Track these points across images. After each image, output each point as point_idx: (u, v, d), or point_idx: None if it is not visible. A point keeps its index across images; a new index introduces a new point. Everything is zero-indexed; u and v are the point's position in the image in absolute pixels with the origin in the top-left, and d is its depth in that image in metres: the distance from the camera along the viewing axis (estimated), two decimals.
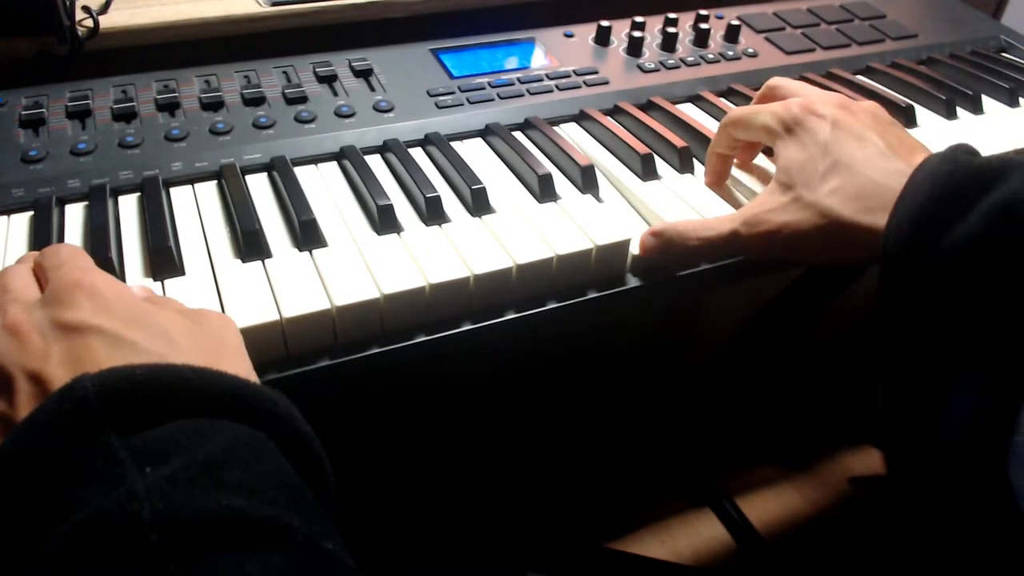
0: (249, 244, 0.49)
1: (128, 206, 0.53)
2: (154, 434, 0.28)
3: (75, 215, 0.52)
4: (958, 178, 0.41)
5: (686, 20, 0.78)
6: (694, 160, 0.61)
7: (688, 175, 0.60)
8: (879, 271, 0.44)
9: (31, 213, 0.51)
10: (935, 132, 0.68)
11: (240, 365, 0.35)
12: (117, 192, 0.54)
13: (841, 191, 0.46)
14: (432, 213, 0.53)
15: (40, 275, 0.38)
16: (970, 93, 0.72)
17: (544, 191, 0.56)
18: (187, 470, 0.27)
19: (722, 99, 0.70)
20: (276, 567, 0.26)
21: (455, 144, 0.61)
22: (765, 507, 1.15)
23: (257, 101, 0.62)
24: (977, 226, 0.40)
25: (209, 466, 0.28)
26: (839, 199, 0.46)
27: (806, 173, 0.48)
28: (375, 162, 0.59)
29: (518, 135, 0.63)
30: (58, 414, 0.28)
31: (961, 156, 0.43)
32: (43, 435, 0.28)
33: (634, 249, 0.51)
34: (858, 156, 0.47)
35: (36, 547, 0.26)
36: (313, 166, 0.58)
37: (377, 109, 0.63)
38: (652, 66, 0.73)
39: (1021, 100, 0.74)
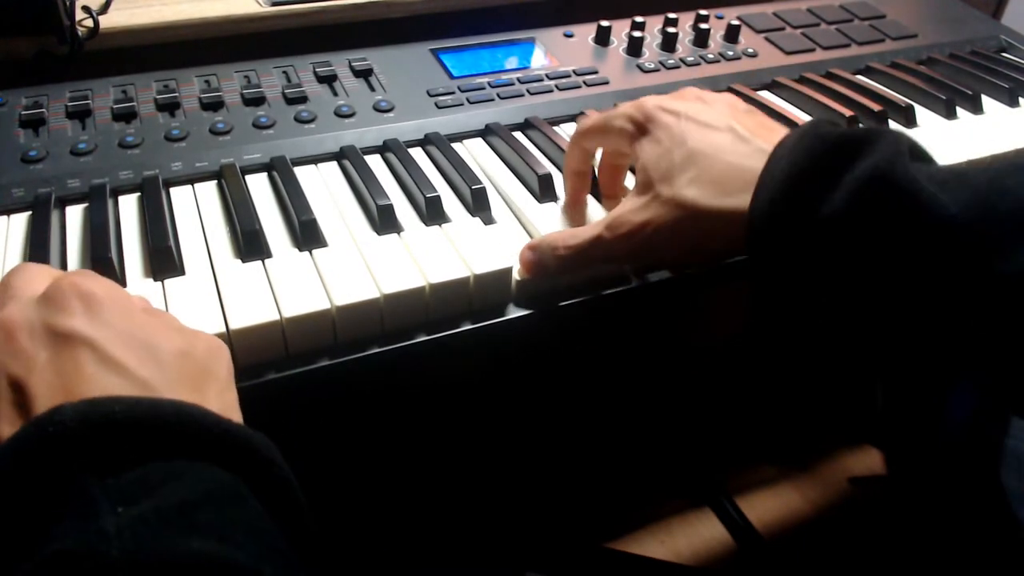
0: (249, 244, 0.49)
1: (128, 206, 0.53)
2: (130, 475, 0.27)
3: (75, 215, 0.52)
4: (820, 150, 0.40)
5: (686, 20, 0.78)
6: None
7: None
8: (747, 252, 0.43)
9: (30, 213, 0.51)
10: (935, 132, 0.68)
11: (226, 397, 0.34)
12: (117, 192, 0.54)
13: (698, 180, 0.45)
14: (432, 213, 0.53)
15: (50, 276, 0.37)
16: (970, 93, 0.72)
17: (544, 191, 0.56)
18: (159, 512, 0.26)
19: None
20: None
21: (455, 144, 0.61)
22: (765, 507, 1.15)
23: (257, 101, 0.62)
24: (845, 198, 0.38)
25: (182, 509, 0.27)
26: (697, 188, 0.44)
27: (662, 168, 0.46)
28: (375, 162, 0.59)
29: (518, 135, 0.63)
30: (35, 443, 0.27)
31: (823, 128, 0.41)
32: (18, 465, 0.27)
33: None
34: (714, 142, 0.46)
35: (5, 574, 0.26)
36: (313, 166, 0.58)
37: (377, 109, 0.63)
38: (652, 66, 0.73)
39: (1021, 100, 0.74)
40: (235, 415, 0.34)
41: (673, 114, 0.48)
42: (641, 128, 0.49)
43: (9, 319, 0.32)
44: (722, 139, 0.46)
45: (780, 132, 0.45)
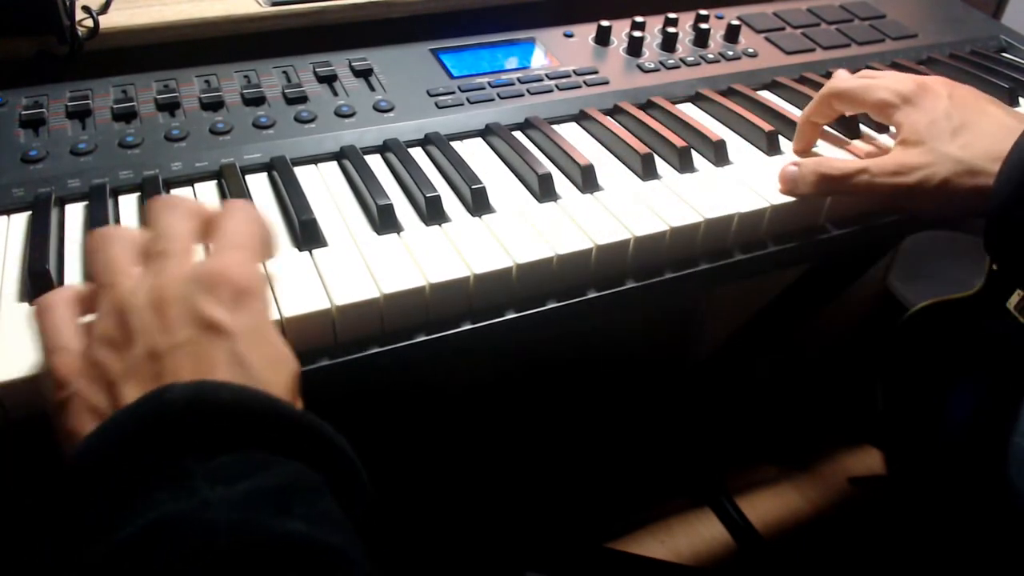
0: None
1: (128, 206, 0.53)
2: (228, 457, 0.29)
3: (75, 215, 0.52)
4: None
5: (686, 20, 0.78)
6: (694, 159, 0.61)
7: (688, 174, 0.60)
8: (988, 212, 0.49)
9: (30, 213, 0.51)
10: None
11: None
12: (117, 192, 0.54)
13: (971, 146, 0.52)
14: (432, 213, 0.53)
15: (209, 229, 0.38)
16: None
17: (544, 191, 0.56)
18: (259, 492, 0.28)
19: (722, 99, 0.70)
20: None
21: (455, 144, 0.61)
22: (765, 507, 1.15)
23: (257, 101, 0.62)
24: None
25: (276, 493, 0.29)
26: (971, 150, 0.51)
27: (935, 131, 0.53)
28: (375, 162, 0.59)
29: (518, 135, 0.63)
30: (145, 418, 0.29)
31: None
32: (127, 435, 0.29)
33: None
34: (980, 120, 0.53)
35: (103, 538, 0.27)
36: (313, 166, 0.58)
37: (377, 109, 0.63)
38: (652, 66, 0.73)
39: (1021, 100, 0.74)
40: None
41: (937, 93, 0.55)
42: (906, 100, 0.56)
43: (163, 292, 0.34)
44: (987, 117, 0.53)
45: None
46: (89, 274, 0.37)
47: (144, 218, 0.40)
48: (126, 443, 0.29)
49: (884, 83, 0.58)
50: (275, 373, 0.34)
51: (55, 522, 0.29)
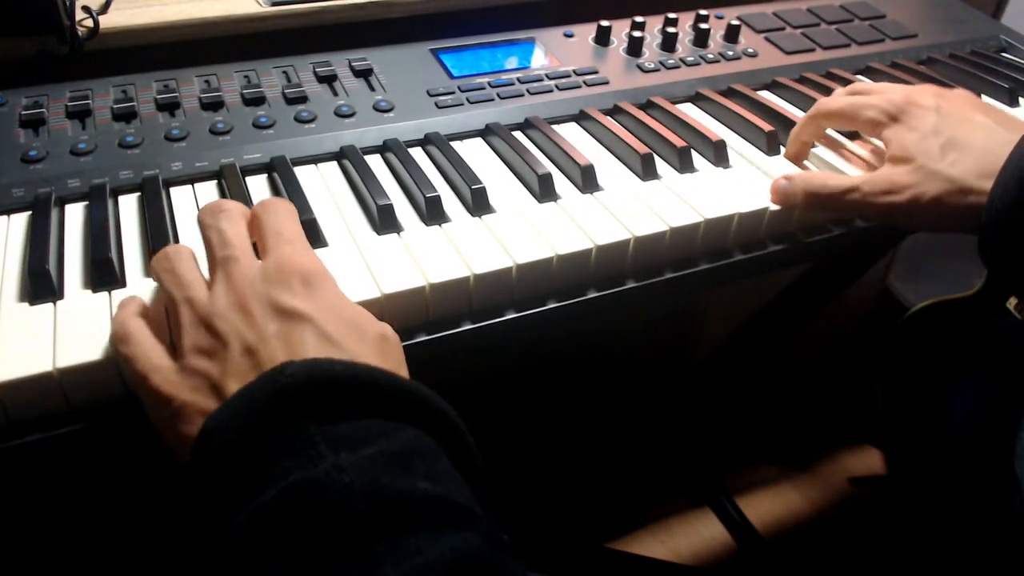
0: None
1: (128, 206, 0.53)
2: (346, 426, 0.31)
3: (75, 215, 0.52)
4: None
5: (686, 20, 0.78)
6: (694, 159, 0.61)
7: (688, 174, 0.60)
8: (981, 228, 0.49)
9: (30, 213, 0.51)
10: None
11: (406, 374, 0.37)
12: (117, 192, 0.54)
13: (961, 162, 0.51)
14: (432, 213, 0.53)
15: (254, 227, 0.42)
16: None
17: (544, 191, 0.56)
18: (382, 456, 0.30)
19: (722, 99, 0.70)
20: (471, 543, 0.29)
21: (455, 144, 0.61)
22: (765, 507, 1.15)
23: (257, 101, 0.62)
24: None
25: (399, 457, 0.31)
26: (960, 168, 0.51)
27: (924, 148, 0.52)
28: (375, 162, 0.59)
29: (518, 135, 0.63)
30: (266, 393, 0.31)
31: None
32: (250, 410, 0.31)
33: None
34: (969, 134, 0.52)
35: (242, 507, 0.29)
36: (313, 166, 0.58)
37: (377, 109, 0.63)
38: (652, 66, 0.73)
39: (1021, 100, 0.74)
40: None
41: (925, 108, 0.54)
42: (893, 117, 0.55)
43: (242, 293, 0.37)
44: (976, 131, 0.52)
45: (1021, 123, 0.52)
46: (164, 296, 0.40)
47: (197, 227, 0.43)
48: (251, 416, 0.31)
49: (872, 101, 0.57)
50: (362, 343, 0.36)
51: (194, 500, 0.31)
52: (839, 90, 0.63)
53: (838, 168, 0.61)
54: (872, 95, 0.58)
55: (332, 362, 0.32)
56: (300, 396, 0.31)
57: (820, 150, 0.64)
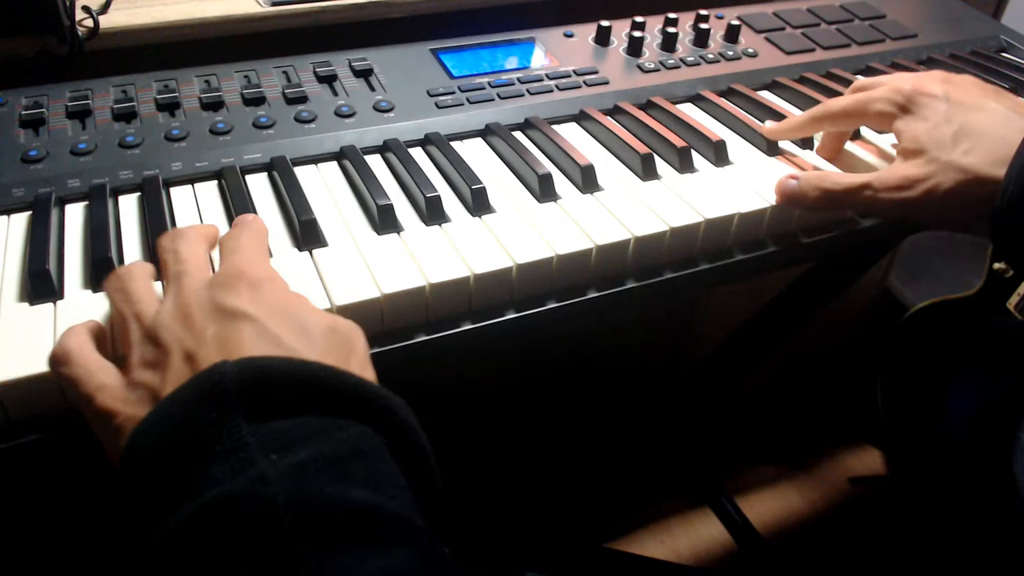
0: None
1: (128, 206, 0.53)
2: (282, 424, 0.30)
3: (75, 215, 0.52)
4: None
5: (686, 20, 0.78)
6: (694, 159, 0.61)
7: (688, 174, 0.60)
8: (993, 211, 0.48)
9: (30, 213, 0.51)
10: None
11: (366, 371, 0.37)
12: (117, 192, 0.54)
13: (974, 151, 0.50)
14: (432, 213, 0.53)
15: (213, 244, 0.43)
16: None
17: (544, 191, 0.56)
18: (315, 461, 0.29)
19: (722, 99, 0.70)
20: (402, 562, 0.27)
21: (455, 144, 0.61)
22: (765, 507, 1.15)
23: (257, 101, 0.62)
24: None
25: (335, 460, 0.29)
26: (974, 157, 0.49)
27: (935, 139, 0.51)
28: (375, 162, 0.59)
29: (518, 135, 0.63)
30: (196, 393, 0.30)
31: None
32: (180, 412, 0.30)
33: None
34: (981, 120, 0.51)
35: (164, 520, 0.28)
36: (313, 166, 0.58)
37: (377, 109, 0.63)
38: (652, 66, 0.73)
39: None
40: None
41: (935, 97, 0.53)
42: (903, 108, 0.54)
43: (186, 302, 0.36)
44: (988, 117, 0.51)
45: None
46: (113, 314, 0.39)
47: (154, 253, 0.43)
48: (176, 420, 0.30)
49: (879, 93, 0.56)
50: (310, 340, 0.35)
51: (126, 503, 0.30)
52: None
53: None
54: (878, 88, 0.57)
55: (269, 359, 0.31)
56: (232, 395, 0.30)
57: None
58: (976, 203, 0.50)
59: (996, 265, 0.68)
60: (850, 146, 0.64)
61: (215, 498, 0.27)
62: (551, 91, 0.68)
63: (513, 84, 0.67)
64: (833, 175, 0.54)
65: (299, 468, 0.28)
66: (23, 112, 0.58)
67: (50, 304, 0.44)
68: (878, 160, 0.61)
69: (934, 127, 0.52)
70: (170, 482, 0.29)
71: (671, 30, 0.75)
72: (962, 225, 0.54)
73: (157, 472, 0.29)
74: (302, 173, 0.57)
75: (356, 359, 0.36)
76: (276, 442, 0.29)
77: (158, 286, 0.42)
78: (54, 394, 0.40)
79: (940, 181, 0.50)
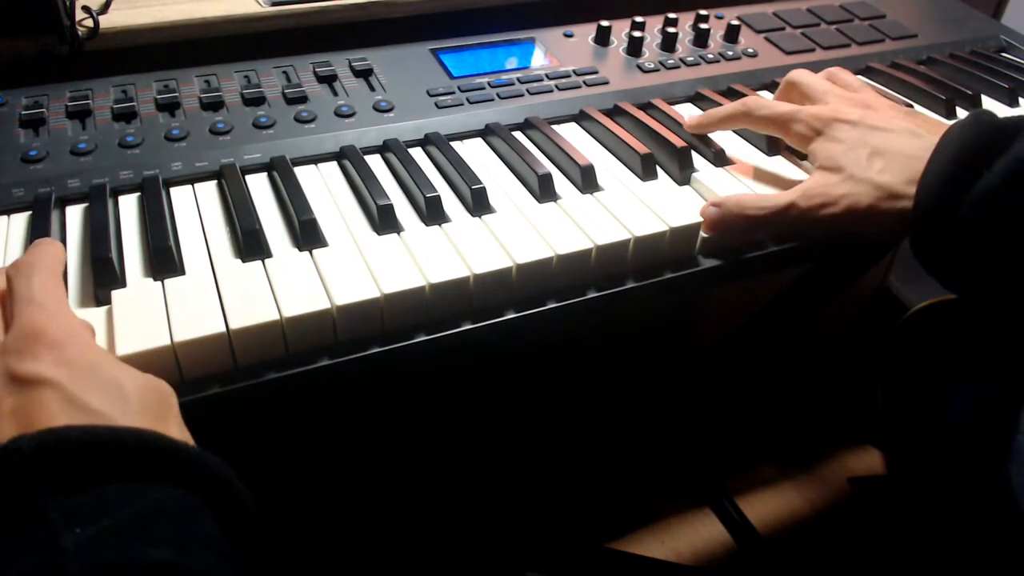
0: (249, 244, 0.49)
1: (128, 206, 0.53)
2: (86, 496, 0.29)
3: (75, 215, 0.52)
4: (978, 140, 0.47)
5: (686, 20, 0.78)
6: (694, 159, 0.61)
7: (688, 174, 0.60)
8: (910, 230, 0.50)
9: (30, 213, 0.51)
10: None
11: (184, 427, 0.36)
12: (117, 192, 0.54)
13: (887, 169, 0.52)
14: (432, 213, 0.53)
15: (5, 303, 0.38)
16: (970, 93, 0.72)
17: (544, 191, 0.56)
18: (116, 528, 0.28)
19: (722, 99, 0.70)
20: None
21: (455, 144, 0.61)
22: (765, 507, 1.15)
23: (257, 101, 0.62)
24: (995, 182, 0.46)
25: (137, 522, 0.28)
26: (888, 176, 0.51)
27: (851, 158, 0.53)
28: (375, 162, 0.59)
29: (518, 135, 0.63)
30: None
31: (983, 117, 0.48)
32: None
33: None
34: (892, 141, 0.53)
35: None
36: (313, 166, 0.58)
37: (377, 109, 0.63)
38: (652, 66, 0.73)
39: (1021, 100, 0.74)
40: (191, 442, 0.35)
41: (850, 123, 0.55)
42: (819, 132, 0.56)
43: None
44: (898, 138, 0.53)
45: (942, 127, 0.52)
46: None
47: None
48: None
49: (802, 115, 0.57)
50: (124, 403, 0.33)
51: None
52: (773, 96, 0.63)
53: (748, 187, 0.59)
54: (803, 110, 0.58)
55: (69, 428, 0.30)
56: (30, 470, 0.28)
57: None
58: (894, 219, 0.51)
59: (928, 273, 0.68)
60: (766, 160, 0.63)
61: None
62: (551, 91, 0.68)
63: (513, 84, 0.67)
64: (755, 198, 0.54)
65: (98, 537, 0.27)
66: (23, 112, 0.58)
67: None
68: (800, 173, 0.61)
69: (850, 148, 0.54)
70: None
71: (671, 30, 0.75)
72: (892, 240, 0.55)
73: None
74: (302, 173, 0.57)
75: (174, 417, 0.35)
76: (81, 514, 0.28)
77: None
78: None
79: (859, 198, 0.52)
